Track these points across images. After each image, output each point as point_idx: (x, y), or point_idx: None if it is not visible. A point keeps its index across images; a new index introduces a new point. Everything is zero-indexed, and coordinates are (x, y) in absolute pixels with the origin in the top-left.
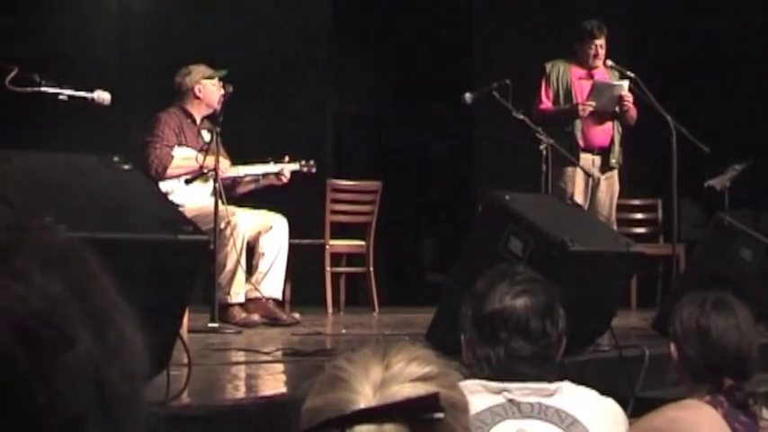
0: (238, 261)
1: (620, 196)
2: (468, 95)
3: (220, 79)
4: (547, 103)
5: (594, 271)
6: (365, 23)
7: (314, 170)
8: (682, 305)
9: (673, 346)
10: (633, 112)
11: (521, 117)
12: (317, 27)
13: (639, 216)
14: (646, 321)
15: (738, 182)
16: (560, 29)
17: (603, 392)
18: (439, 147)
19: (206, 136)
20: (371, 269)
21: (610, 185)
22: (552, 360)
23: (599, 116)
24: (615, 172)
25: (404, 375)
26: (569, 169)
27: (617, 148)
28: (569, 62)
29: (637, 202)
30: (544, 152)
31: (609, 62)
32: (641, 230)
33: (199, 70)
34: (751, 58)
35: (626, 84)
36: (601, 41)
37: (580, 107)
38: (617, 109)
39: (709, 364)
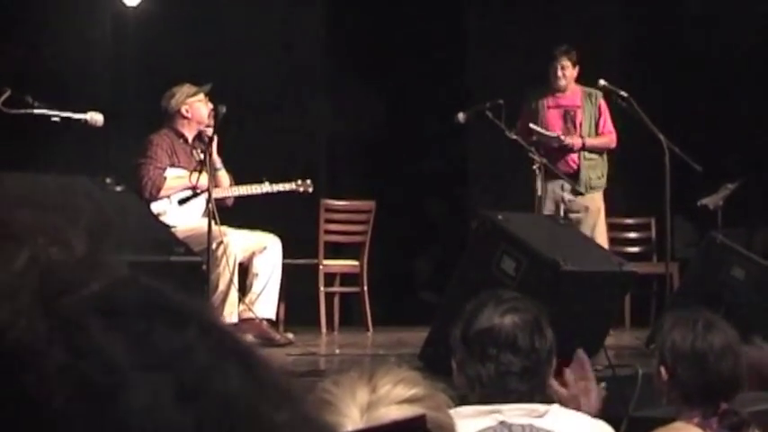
0: (231, 282)
1: (613, 215)
2: (461, 115)
3: (206, 94)
4: (521, 132)
5: (587, 290)
6: (359, 43)
7: (310, 190)
8: (669, 327)
9: (662, 369)
10: (599, 141)
11: (513, 136)
12: (310, 47)
13: (633, 235)
14: (639, 340)
15: (731, 201)
16: (553, 48)
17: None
18: (432, 166)
19: (201, 156)
20: (365, 289)
21: (586, 208)
22: (542, 376)
23: (561, 146)
24: (594, 195)
25: (390, 398)
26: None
27: (584, 174)
28: (545, 89)
29: (630, 220)
30: (537, 171)
31: (602, 82)
32: (635, 249)
33: (182, 91)
34: (744, 77)
35: (555, 135)
36: (563, 62)
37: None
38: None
39: (706, 387)
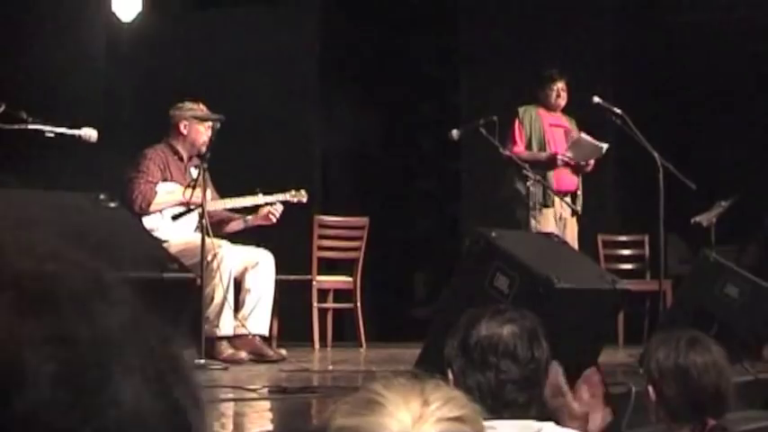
0: (225, 294)
1: (607, 232)
2: (455, 132)
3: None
4: (521, 147)
5: (580, 308)
6: (353, 60)
7: (304, 200)
8: (655, 346)
9: (650, 388)
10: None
11: (507, 153)
12: (305, 63)
13: (626, 252)
14: (633, 358)
15: (725, 218)
16: (546, 65)
17: None
18: (426, 182)
19: (194, 173)
20: (359, 305)
21: (571, 230)
22: (540, 386)
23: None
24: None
25: (441, 413)
26: (543, 210)
27: (580, 194)
28: (538, 108)
29: (624, 237)
30: (531, 188)
31: (596, 99)
32: (628, 266)
33: (189, 107)
34: (737, 95)
35: (605, 147)
36: (561, 84)
37: (559, 159)
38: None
39: (691, 403)
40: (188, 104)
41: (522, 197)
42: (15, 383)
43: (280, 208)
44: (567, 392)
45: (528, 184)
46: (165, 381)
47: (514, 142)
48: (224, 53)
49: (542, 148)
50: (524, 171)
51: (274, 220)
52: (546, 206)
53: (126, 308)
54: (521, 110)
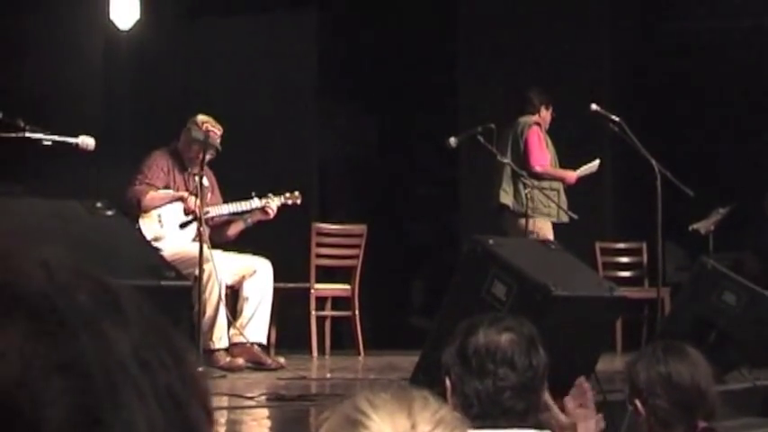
0: (218, 306)
1: (604, 240)
2: (452, 139)
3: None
4: (547, 164)
5: (578, 315)
6: (351, 67)
7: (299, 201)
8: (633, 362)
9: (637, 402)
10: None
11: (505, 161)
12: (303, 70)
13: (624, 259)
14: None
15: (723, 225)
16: (544, 74)
17: None
18: (424, 190)
19: (205, 182)
20: (357, 313)
21: None
22: (538, 393)
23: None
24: None
25: None
26: (545, 221)
27: None
28: (539, 122)
29: (621, 245)
30: (528, 195)
31: (594, 106)
32: (626, 274)
33: (202, 121)
34: (735, 103)
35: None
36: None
37: (571, 180)
38: None
39: (679, 408)
40: (200, 118)
41: (532, 209)
42: (30, 422)
43: (275, 201)
44: (552, 406)
45: (525, 191)
46: (179, 399)
47: (543, 155)
48: (222, 61)
49: (554, 162)
50: (522, 179)
51: (272, 214)
52: (562, 222)
53: (139, 327)
54: (533, 121)
